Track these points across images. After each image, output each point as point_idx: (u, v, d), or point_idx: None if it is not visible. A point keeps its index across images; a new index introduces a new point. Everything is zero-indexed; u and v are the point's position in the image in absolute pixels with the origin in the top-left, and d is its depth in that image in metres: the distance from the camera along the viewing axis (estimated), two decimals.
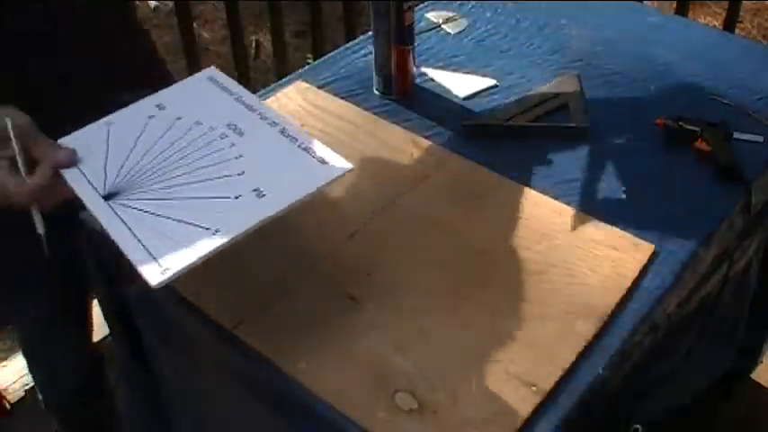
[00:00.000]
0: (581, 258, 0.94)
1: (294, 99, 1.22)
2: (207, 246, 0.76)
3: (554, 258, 0.94)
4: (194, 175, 0.85)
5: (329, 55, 1.38)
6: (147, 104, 0.96)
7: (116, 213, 0.81)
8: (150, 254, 0.75)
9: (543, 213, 1.00)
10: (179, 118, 0.93)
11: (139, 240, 0.77)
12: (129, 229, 0.79)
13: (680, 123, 1.13)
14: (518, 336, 0.85)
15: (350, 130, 1.16)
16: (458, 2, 1.47)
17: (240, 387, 0.92)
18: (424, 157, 1.10)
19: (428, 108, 1.21)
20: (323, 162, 0.85)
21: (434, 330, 0.86)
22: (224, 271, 0.94)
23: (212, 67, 1.02)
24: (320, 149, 0.86)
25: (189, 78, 1.00)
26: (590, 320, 0.87)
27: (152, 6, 3.23)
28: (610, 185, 1.06)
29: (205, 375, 0.99)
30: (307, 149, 0.87)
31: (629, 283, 0.91)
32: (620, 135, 1.15)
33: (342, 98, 1.23)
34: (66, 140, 0.89)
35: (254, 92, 1.42)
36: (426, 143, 1.13)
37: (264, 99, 1.23)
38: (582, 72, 1.27)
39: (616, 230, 0.98)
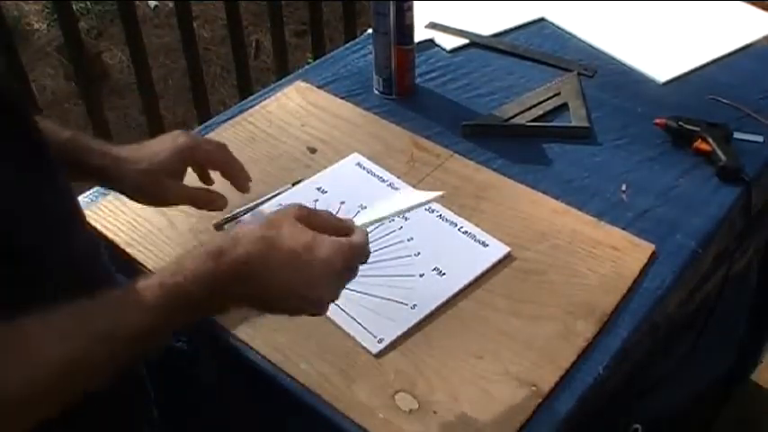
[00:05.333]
0: (581, 258, 0.94)
1: (294, 99, 1.22)
2: (410, 319, 0.87)
3: (554, 258, 0.94)
4: (377, 255, 0.92)
5: (329, 55, 1.38)
6: (308, 188, 1.04)
7: None
8: (365, 329, 0.86)
9: (543, 213, 1.00)
10: (342, 202, 1.00)
11: (353, 318, 0.87)
12: (340, 307, 0.87)
13: (680, 123, 1.12)
14: (518, 336, 0.85)
15: (350, 130, 1.16)
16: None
17: (240, 387, 0.92)
18: (424, 157, 1.10)
19: (428, 108, 1.21)
20: (485, 245, 0.95)
21: (434, 330, 0.86)
22: None
23: (356, 153, 1.10)
24: (479, 233, 0.97)
25: (339, 162, 1.09)
26: (590, 320, 0.87)
27: (152, 6, 3.23)
28: (610, 185, 1.06)
29: (206, 376, 0.99)
30: (467, 233, 0.97)
31: (629, 283, 0.91)
32: (620, 135, 1.15)
33: (342, 98, 1.23)
34: (246, 219, 0.99)
35: (253, 92, 1.43)
36: (426, 143, 1.13)
37: (264, 99, 1.23)
38: (582, 72, 1.27)
39: (616, 230, 0.98)
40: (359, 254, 0.71)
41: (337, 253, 0.68)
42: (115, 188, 0.93)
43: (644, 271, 0.93)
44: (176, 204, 0.95)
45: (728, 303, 1.17)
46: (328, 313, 0.81)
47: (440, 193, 0.87)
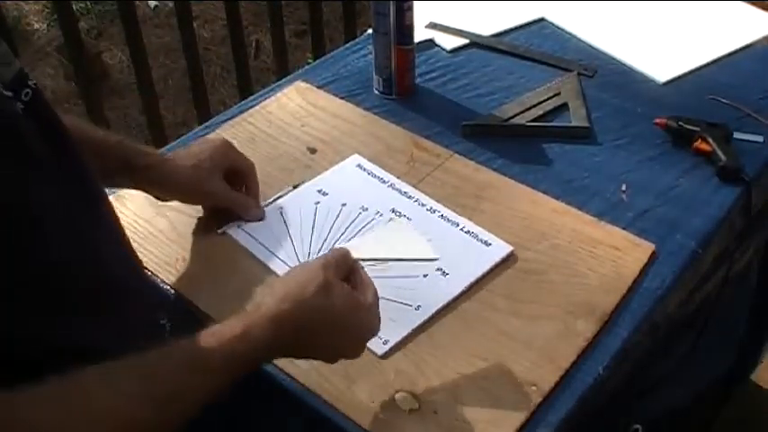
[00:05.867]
0: (581, 258, 0.94)
1: (294, 99, 1.22)
2: (414, 320, 0.87)
3: (554, 258, 0.94)
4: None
5: (329, 55, 1.38)
6: (308, 190, 1.04)
7: None
8: None
9: (543, 213, 1.00)
10: (344, 204, 1.01)
11: None
12: None
13: (680, 123, 1.12)
14: (518, 336, 0.85)
15: (350, 130, 1.16)
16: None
17: (240, 387, 0.91)
18: (424, 157, 1.10)
19: (428, 108, 1.21)
20: (487, 244, 0.95)
21: (435, 330, 0.86)
22: (226, 272, 0.94)
23: (356, 155, 1.09)
24: (481, 233, 0.97)
25: (339, 164, 1.09)
26: (590, 320, 0.87)
27: (152, 6, 3.23)
28: (610, 185, 1.06)
29: None
30: (469, 233, 0.97)
31: (629, 283, 0.91)
32: (620, 135, 1.15)
33: (342, 98, 1.23)
34: (250, 225, 0.98)
35: (254, 92, 1.43)
36: (426, 143, 1.13)
37: (264, 99, 1.23)
38: (582, 72, 1.27)
39: (616, 230, 0.98)
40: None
41: (377, 319, 0.78)
42: (157, 188, 0.96)
43: (644, 271, 0.93)
44: (217, 204, 0.99)
45: (728, 303, 1.17)
46: None
47: (437, 256, 0.91)
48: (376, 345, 0.83)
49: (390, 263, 0.91)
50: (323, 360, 0.78)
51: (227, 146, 0.99)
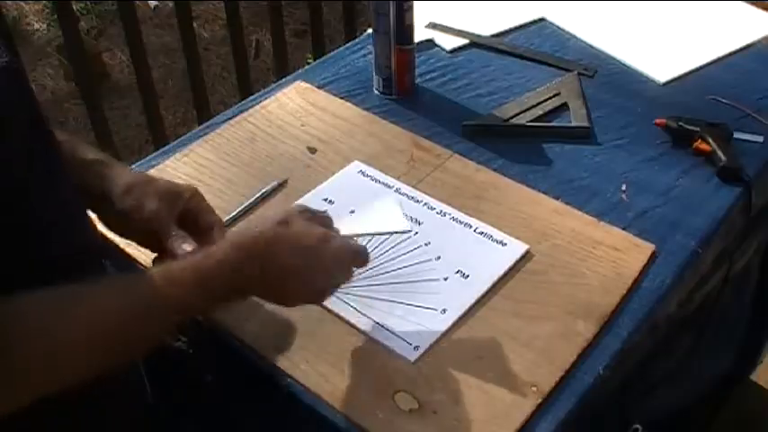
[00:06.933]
0: (581, 258, 0.94)
1: (294, 99, 1.22)
2: (442, 323, 0.86)
3: (554, 258, 0.94)
4: (397, 262, 0.93)
5: (329, 55, 1.38)
6: (313, 199, 1.02)
7: (346, 302, 0.88)
8: (399, 337, 0.85)
9: (543, 213, 1.00)
10: (352, 211, 1.00)
11: (385, 327, 0.86)
12: (366, 315, 0.87)
13: (680, 123, 1.12)
14: (518, 336, 0.85)
15: (350, 130, 1.16)
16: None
17: (240, 387, 0.92)
18: (424, 157, 1.10)
19: (428, 108, 1.21)
20: (503, 244, 0.95)
21: None
22: None
23: (357, 161, 1.08)
24: (495, 233, 0.97)
25: (341, 172, 1.07)
26: (590, 320, 0.87)
27: (152, 6, 3.23)
28: (610, 185, 1.06)
29: (205, 376, 0.99)
30: (483, 234, 0.97)
31: (629, 283, 0.91)
32: (620, 135, 1.15)
33: (342, 98, 1.23)
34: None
35: (254, 92, 1.43)
36: (426, 143, 1.13)
37: (264, 99, 1.23)
38: (582, 72, 1.27)
39: (616, 230, 0.98)
40: (363, 254, 0.80)
41: (346, 248, 0.78)
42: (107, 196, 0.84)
43: (644, 271, 0.93)
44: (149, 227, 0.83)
45: (728, 303, 1.17)
46: (360, 324, 0.85)
47: (409, 228, 0.94)
48: (408, 351, 0.83)
49: (370, 238, 0.93)
50: (283, 296, 0.77)
51: (191, 190, 0.85)
